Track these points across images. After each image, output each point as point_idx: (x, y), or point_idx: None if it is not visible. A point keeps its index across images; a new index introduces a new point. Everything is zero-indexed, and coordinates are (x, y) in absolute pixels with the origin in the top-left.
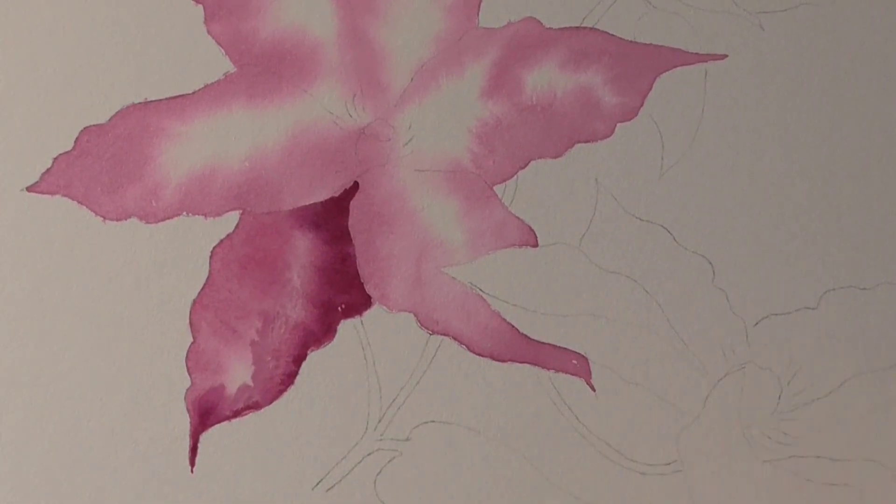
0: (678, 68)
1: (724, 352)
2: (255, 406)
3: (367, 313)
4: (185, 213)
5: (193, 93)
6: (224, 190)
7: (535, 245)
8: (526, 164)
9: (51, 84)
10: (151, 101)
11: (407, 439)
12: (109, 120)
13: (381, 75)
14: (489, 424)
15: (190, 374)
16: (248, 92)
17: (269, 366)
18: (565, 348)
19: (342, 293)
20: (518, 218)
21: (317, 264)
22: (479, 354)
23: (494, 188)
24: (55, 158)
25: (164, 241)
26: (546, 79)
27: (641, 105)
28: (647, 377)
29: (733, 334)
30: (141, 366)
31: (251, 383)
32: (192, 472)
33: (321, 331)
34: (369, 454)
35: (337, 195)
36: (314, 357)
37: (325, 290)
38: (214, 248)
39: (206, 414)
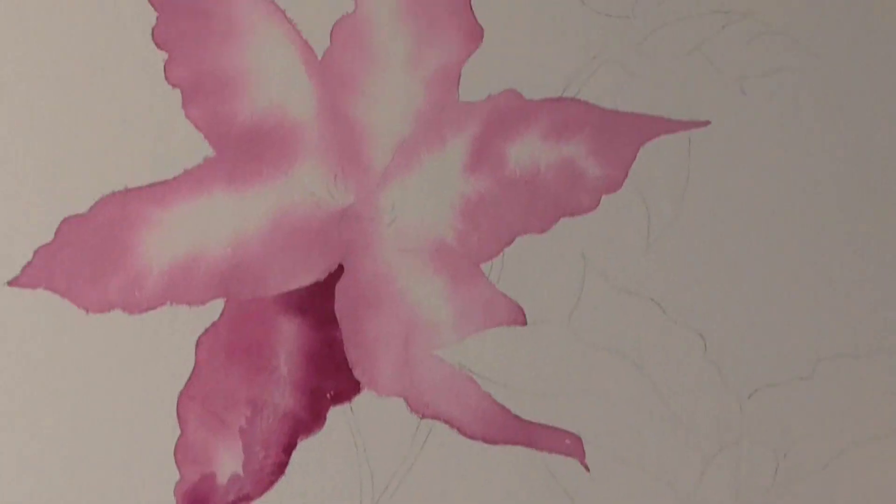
0: (661, 137)
1: (718, 426)
2: (247, 498)
3: (356, 399)
4: (169, 302)
5: (173, 178)
6: (207, 277)
7: (524, 323)
8: (511, 240)
9: (30, 174)
10: (131, 189)
11: None
12: (89, 210)
13: (362, 153)
14: None
15: (179, 468)
16: (229, 176)
17: (259, 456)
18: (558, 428)
19: (330, 379)
20: (505, 296)
21: (304, 350)
22: (471, 437)
23: (480, 266)
24: (36, 251)
25: (149, 331)
26: (529, 151)
27: (626, 176)
28: (642, 455)
29: (727, 408)
30: (129, 460)
31: (241, 473)
32: None
33: (310, 418)
34: None
35: (322, 279)
36: (304, 445)
37: (313, 377)
38: (200, 337)
39: None
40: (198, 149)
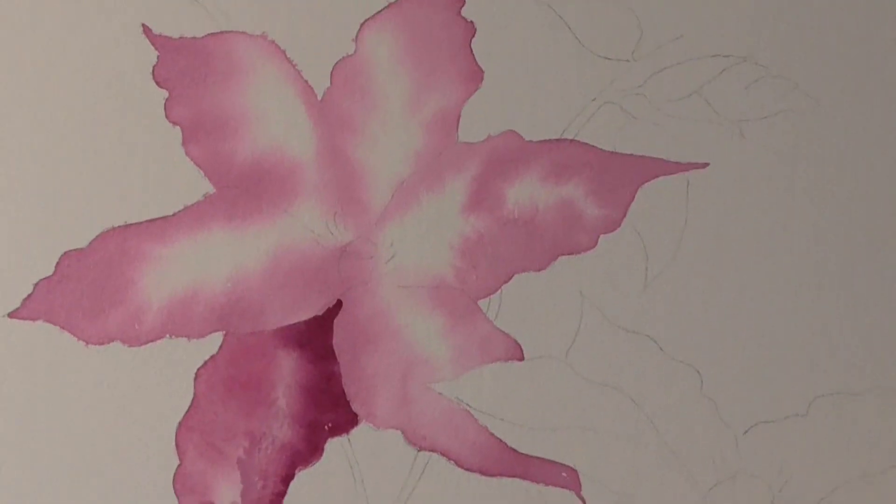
0: (660, 178)
1: (714, 461)
2: None
3: (353, 431)
4: (168, 335)
5: (173, 215)
6: (207, 311)
7: (521, 359)
8: (509, 278)
9: (30, 209)
10: (131, 224)
11: None
12: (89, 244)
13: (361, 193)
14: None
15: (178, 498)
16: (228, 213)
17: (258, 486)
18: (554, 462)
19: (328, 412)
20: (503, 332)
21: (302, 383)
22: (467, 469)
23: (478, 303)
24: (36, 284)
25: (148, 364)
26: (527, 192)
27: (624, 216)
28: (638, 489)
29: (723, 443)
30: (128, 491)
31: (240, 502)
32: None
33: (308, 450)
34: None
35: (320, 314)
36: (302, 477)
37: (311, 410)
38: (199, 369)
39: None
40: (198, 186)
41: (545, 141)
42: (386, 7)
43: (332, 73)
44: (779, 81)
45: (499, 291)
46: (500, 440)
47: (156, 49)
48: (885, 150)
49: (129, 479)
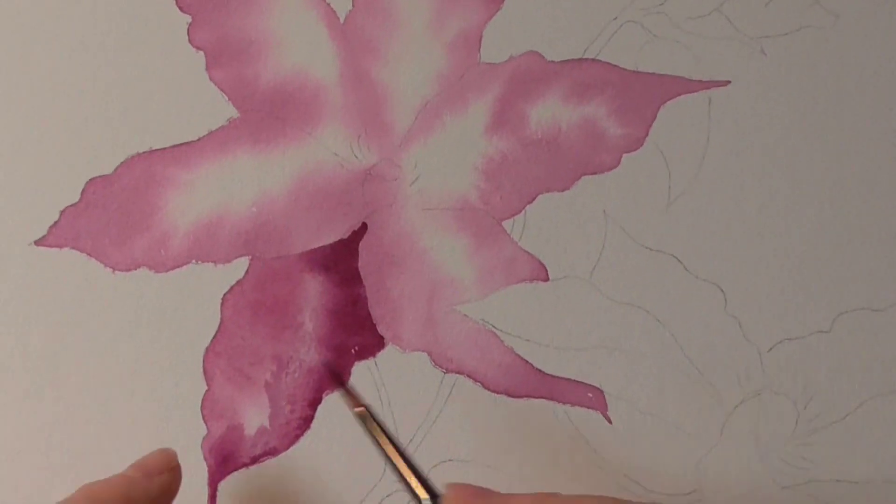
0: (682, 96)
1: (738, 379)
2: (273, 452)
3: (380, 354)
4: (194, 261)
5: (198, 140)
6: (232, 236)
7: (546, 279)
8: (533, 199)
9: (55, 137)
10: (156, 150)
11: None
12: (115, 171)
13: (384, 115)
14: (507, 461)
15: (206, 422)
16: (253, 137)
17: (285, 410)
18: (580, 382)
19: (355, 335)
20: (528, 253)
21: (328, 307)
22: (494, 391)
23: (503, 224)
24: (62, 211)
25: (175, 289)
26: (550, 112)
27: (646, 135)
28: (663, 407)
29: (747, 361)
30: (156, 416)
31: (268, 426)
32: None
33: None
34: (388, 496)
35: (346, 237)
36: (330, 400)
37: (338, 333)
38: (225, 294)
39: (223, 461)
40: (222, 111)
41: (567, 61)
42: None
43: None
44: None
45: (523, 212)
46: (526, 361)
47: None
48: None
49: (158, 404)
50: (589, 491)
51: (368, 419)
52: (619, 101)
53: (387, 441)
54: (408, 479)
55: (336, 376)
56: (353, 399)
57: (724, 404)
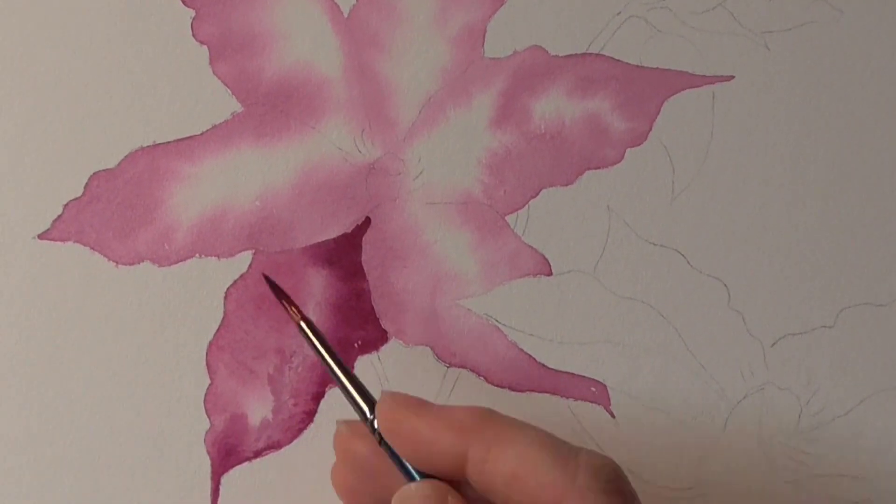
0: (685, 91)
1: (742, 374)
2: (276, 445)
3: (383, 348)
4: (197, 254)
5: (201, 134)
6: (236, 230)
7: (550, 274)
8: (537, 193)
9: (58, 130)
10: (159, 144)
11: None
12: (118, 164)
13: (388, 110)
14: None
15: (209, 416)
16: (257, 131)
17: (289, 404)
18: (583, 376)
19: (358, 329)
20: (531, 247)
21: (331, 301)
22: (497, 385)
23: (506, 218)
24: (65, 205)
25: (178, 283)
26: (554, 107)
27: (650, 129)
28: (667, 402)
29: (751, 356)
30: (158, 409)
31: (272, 420)
32: None
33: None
34: None
35: (349, 231)
36: (333, 394)
37: (341, 327)
38: (228, 288)
39: (227, 455)
40: (225, 105)
41: (570, 55)
42: None
43: None
44: None
45: (526, 206)
46: (530, 355)
47: None
48: None
49: (160, 398)
50: None
51: (310, 332)
52: (622, 95)
53: (326, 354)
54: (347, 387)
55: (274, 286)
56: (297, 312)
57: (728, 399)
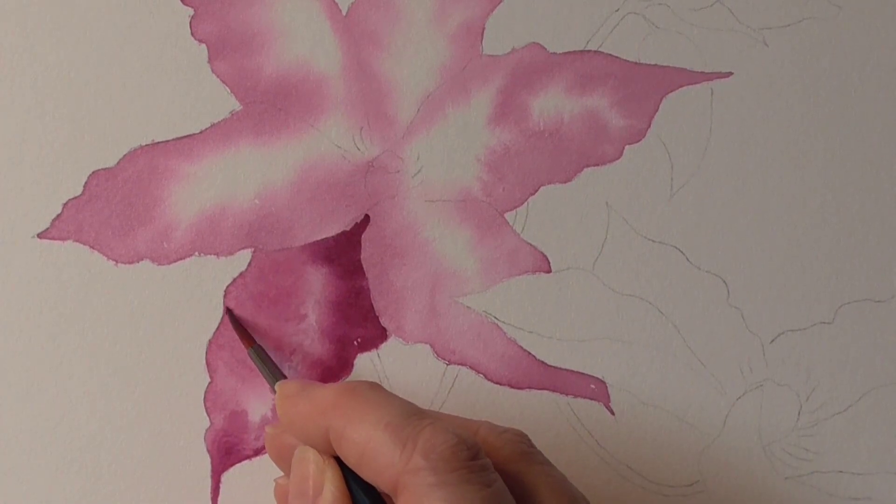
0: (684, 88)
1: (741, 370)
2: None
3: (383, 346)
4: (196, 253)
5: (200, 132)
6: (235, 228)
7: (549, 271)
8: (536, 190)
9: (57, 129)
10: (159, 143)
11: None
12: (117, 163)
13: (387, 107)
14: None
15: (208, 414)
16: (255, 129)
17: None
18: (583, 373)
19: (357, 327)
20: (530, 244)
21: (331, 299)
22: (496, 383)
23: (505, 215)
24: (65, 204)
25: (177, 282)
26: (552, 104)
27: (649, 126)
28: (666, 399)
29: (750, 352)
30: (158, 408)
31: (271, 418)
32: None
33: (338, 365)
34: None
35: (348, 229)
36: None
37: (341, 325)
38: (228, 286)
39: (226, 453)
40: (224, 103)
41: (569, 52)
42: None
43: None
44: None
45: (525, 204)
46: (529, 353)
47: None
48: None
49: (160, 397)
50: (592, 483)
51: (231, 317)
52: (621, 92)
53: (248, 342)
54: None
55: (231, 314)
56: (247, 342)
57: (727, 395)
